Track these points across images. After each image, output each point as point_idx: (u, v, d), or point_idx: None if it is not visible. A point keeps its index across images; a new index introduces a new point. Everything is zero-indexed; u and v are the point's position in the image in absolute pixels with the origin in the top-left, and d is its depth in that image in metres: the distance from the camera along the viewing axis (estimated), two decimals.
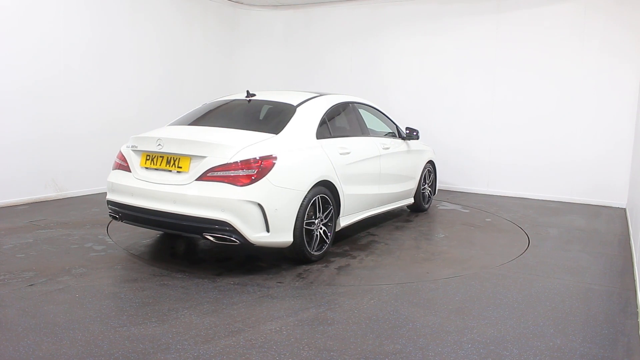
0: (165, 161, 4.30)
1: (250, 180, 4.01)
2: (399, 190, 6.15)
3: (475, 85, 8.42)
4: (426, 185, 6.93)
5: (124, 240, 5.19)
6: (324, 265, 4.57)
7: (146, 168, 4.41)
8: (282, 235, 4.21)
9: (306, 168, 4.46)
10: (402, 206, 6.52)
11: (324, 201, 4.63)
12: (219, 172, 4.03)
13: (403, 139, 6.34)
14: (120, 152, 4.71)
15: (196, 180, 4.09)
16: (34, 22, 6.56)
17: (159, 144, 4.34)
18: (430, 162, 6.99)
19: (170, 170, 4.26)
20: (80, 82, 7.20)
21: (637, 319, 3.58)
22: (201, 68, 9.22)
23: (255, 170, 4.05)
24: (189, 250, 5.00)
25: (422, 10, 8.72)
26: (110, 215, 4.69)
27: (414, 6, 8.77)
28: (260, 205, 4.02)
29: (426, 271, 4.46)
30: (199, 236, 4.18)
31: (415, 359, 2.91)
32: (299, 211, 4.30)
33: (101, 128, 7.42)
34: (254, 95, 5.27)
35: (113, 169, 4.71)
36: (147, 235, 5.36)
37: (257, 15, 9.97)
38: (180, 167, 4.21)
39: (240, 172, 4.02)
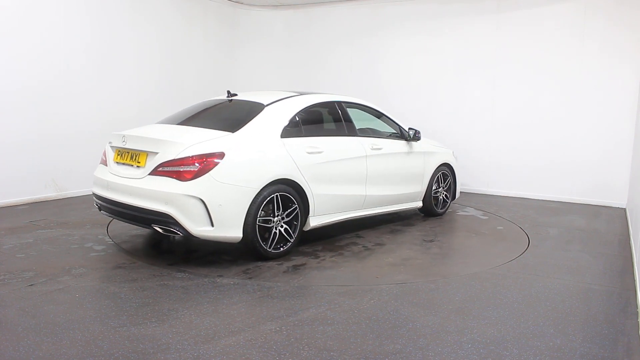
0: (130, 156, 4.62)
1: (193, 175, 4.19)
2: (398, 193, 6.01)
3: (476, 85, 8.42)
4: (441, 188, 6.65)
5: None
6: (279, 262, 4.58)
7: (117, 163, 4.73)
8: (230, 230, 4.31)
9: (260, 166, 4.51)
10: (408, 209, 6.38)
11: (287, 200, 4.67)
12: (167, 168, 4.27)
13: (407, 140, 6.16)
14: (105, 148, 5.05)
15: (149, 174, 4.35)
16: (34, 23, 6.56)
17: (124, 141, 4.68)
18: (447, 165, 6.70)
19: (132, 165, 4.57)
20: (80, 82, 7.20)
21: (637, 319, 3.58)
22: (201, 68, 9.22)
23: (198, 166, 4.22)
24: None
25: (422, 10, 8.72)
26: (95, 205, 4.99)
27: (414, 6, 8.77)
28: (202, 200, 4.16)
29: (376, 275, 4.34)
30: (147, 227, 4.46)
31: (415, 359, 2.91)
32: (250, 208, 4.37)
33: (101, 128, 7.42)
34: (235, 95, 5.42)
35: (99, 164, 5.08)
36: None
37: (257, 15, 9.97)
38: (139, 162, 4.50)
39: (184, 168, 4.22)
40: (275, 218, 4.60)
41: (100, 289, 3.89)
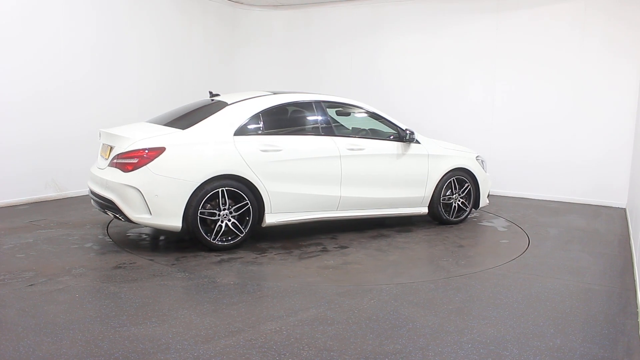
0: (104, 150, 5.08)
1: (133, 167, 4.59)
2: (388, 196, 5.70)
3: (475, 84, 8.42)
4: (455, 195, 6.14)
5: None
6: (218, 254, 4.72)
7: (100, 156, 5.18)
8: (168, 219, 4.62)
9: (202, 161, 4.73)
10: (411, 214, 5.99)
11: (238, 195, 4.83)
12: (117, 160, 4.71)
13: (405, 141, 5.81)
14: None
15: (108, 166, 4.83)
16: (36, 25, 6.56)
17: (100, 136, 5.23)
18: (463, 170, 6.16)
19: (103, 157, 5.03)
20: (80, 83, 7.19)
21: (637, 319, 3.58)
22: (201, 68, 9.21)
23: (137, 159, 4.59)
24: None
25: (422, 10, 8.72)
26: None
27: (414, 5, 8.77)
28: (138, 190, 4.53)
29: (289, 275, 4.28)
30: (105, 212, 4.92)
31: (415, 359, 2.91)
32: (190, 200, 4.62)
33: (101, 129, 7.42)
34: (217, 95, 5.71)
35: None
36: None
37: (257, 15, 9.97)
38: (107, 155, 4.95)
39: (126, 160, 4.64)
40: (222, 212, 4.76)
41: (100, 289, 3.89)
